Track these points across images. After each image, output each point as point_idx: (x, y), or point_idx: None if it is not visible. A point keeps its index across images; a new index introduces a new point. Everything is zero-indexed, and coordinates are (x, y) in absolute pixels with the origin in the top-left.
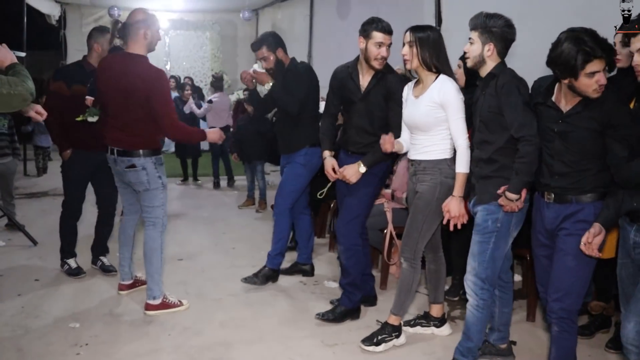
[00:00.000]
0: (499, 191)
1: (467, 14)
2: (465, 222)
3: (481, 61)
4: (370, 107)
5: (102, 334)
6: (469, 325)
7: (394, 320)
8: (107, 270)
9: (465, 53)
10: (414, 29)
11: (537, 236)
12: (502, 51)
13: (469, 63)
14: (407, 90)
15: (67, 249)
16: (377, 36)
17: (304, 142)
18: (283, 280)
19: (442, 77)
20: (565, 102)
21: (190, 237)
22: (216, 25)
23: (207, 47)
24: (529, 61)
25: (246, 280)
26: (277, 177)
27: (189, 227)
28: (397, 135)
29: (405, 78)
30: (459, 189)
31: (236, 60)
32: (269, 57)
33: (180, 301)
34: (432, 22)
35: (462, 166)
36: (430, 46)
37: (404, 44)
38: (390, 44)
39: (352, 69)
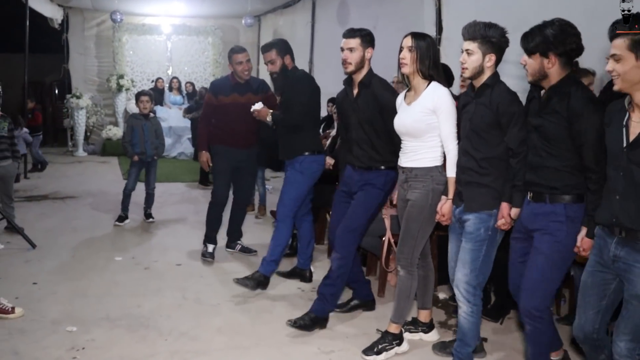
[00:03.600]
0: (504, 214)
1: (468, 21)
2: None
3: (480, 72)
4: (362, 115)
5: (99, 338)
6: (465, 332)
7: (394, 329)
8: (247, 251)
9: (462, 63)
10: (416, 36)
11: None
12: (499, 61)
13: (467, 73)
14: (400, 99)
15: (210, 235)
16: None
17: (303, 148)
18: (281, 286)
19: (434, 83)
20: None
21: (189, 242)
22: (218, 30)
23: (209, 52)
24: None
25: (238, 281)
26: (278, 183)
27: (188, 232)
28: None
29: (389, 86)
30: (451, 192)
31: None
32: (276, 60)
33: (12, 308)
34: (432, 30)
35: (453, 170)
36: (430, 54)
37: (401, 49)
38: (352, 48)
39: (347, 85)
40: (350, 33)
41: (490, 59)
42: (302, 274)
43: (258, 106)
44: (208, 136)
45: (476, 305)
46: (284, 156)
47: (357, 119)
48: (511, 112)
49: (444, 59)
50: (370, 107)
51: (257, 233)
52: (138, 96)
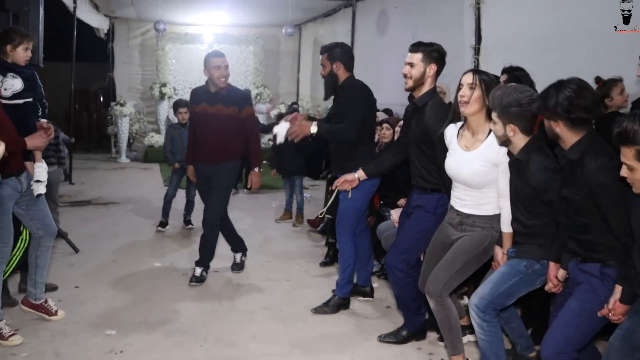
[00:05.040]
0: (551, 276)
1: (507, 31)
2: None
3: (506, 141)
4: (413, 136)
5: (137, 342)
6: (483, 350)
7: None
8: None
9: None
10: (478, 72)
11: None
12: (528, 129)
13: (498, 142)
14: (451, 133)
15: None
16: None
17: (358, 164)
18: (316, 294)
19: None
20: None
21: (226, 249)
22: (259, 39)
23: (250, 60)
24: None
25: (316, 310)
26: (316, 191)
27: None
28: (449, 179)
29: (442, 112)
30: (507, 246)
31: (278, 75)
32: (326, 65)
33: (56, 310)
34: (471, 39)
35: (508, 226)
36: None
37: (460, 87)
38: (412, 63)
39: (409, 101)
40: (413, 47)
41: (512, 129)
42: (363, 291)
43: (283, 127)
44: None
45: (487, 321)
46: (338, 171)
47: (411, 138)
48: (550, 192)
49: (482, 69)
50: (420, 130)
51: (294, 242)
52: (176, 107)
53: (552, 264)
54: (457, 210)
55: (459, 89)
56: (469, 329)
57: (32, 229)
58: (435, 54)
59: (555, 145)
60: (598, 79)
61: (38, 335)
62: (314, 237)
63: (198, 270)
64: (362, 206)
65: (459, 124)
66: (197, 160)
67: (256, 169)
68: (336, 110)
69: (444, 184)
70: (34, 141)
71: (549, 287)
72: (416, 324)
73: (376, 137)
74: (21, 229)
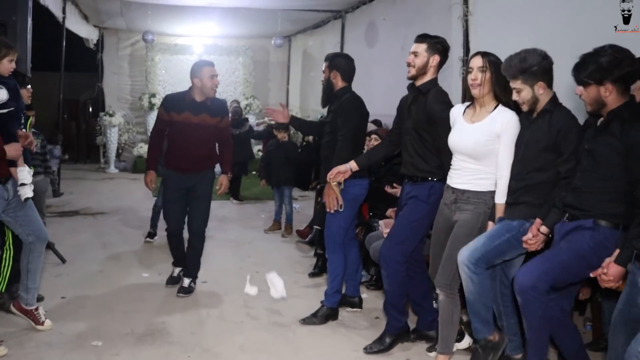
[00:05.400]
0: (533, 231)
1: (495, 42)
2: None
3: (535, 101)
4: (412, 123)
5: (123, 353)
6: (472, 303)
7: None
8: (185, 292)
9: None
10: (485, 54)
11: None
12: (550, 82)
13: (525, 108)
14: (457, 111)
15: (176, 260)
16: None
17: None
18: (304, 305)
19: (501, 107)
20: None
21: (215, 260)
22: (249, 50)
23: (240, 71)
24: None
25: (305, 321)
26: (305, 202)
27: (214, 249)
28: (447, 162)
29: (445, 99)
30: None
31: (268, 85)
32: (325, 73)
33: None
34: (460, 51)
35: (503, 197)
36: (501, 74)
37: (470, 69)
38: (416, 52)
39: (409, 90)
40: (419, 38)
41: (540, 86)
42: (351, 301)
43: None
44: (159, 155)
45: (476, 274)
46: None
47: (409, 125)
48: (570, 138)
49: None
50: (421, 115)
51: (283, 252)
52: None
53: (537, 219)
54: (452, 188)
55: (468, 72)
56: (457, 335)
57: (22, 236)
58: (439, 46)
59: None
60: None
61: (23, 346)
62: (302, 247)
63: (186, 282)
64: (350, 215)
65: (466, 103)
66: (177, 170)
67: (228, 174)
68: (330, 118)
69: (438, 172)
70: (10, 151)
71: (527, 237)
72: (398, 325)
73: (365, 148)
74: (5, 238)
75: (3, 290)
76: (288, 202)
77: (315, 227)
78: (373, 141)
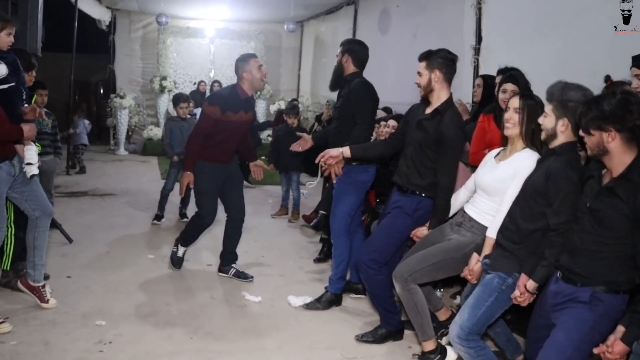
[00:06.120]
0: (520, 289)
1: (507, 32)
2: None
3: (552, 136)
4: (422, 137)
5: (127, 333)
6: None
7: (429, 346)
8: (242, 276)
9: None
10: (525, 97)
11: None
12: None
13: (543, 135)
14: (491, 154)
15: (187, 239)
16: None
17: (352, 158)
18: (307, 291)
19: (529, 151)
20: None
21: (221, 244)
22: (261, 35)
23: None
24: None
25: (308, 306)
26: (313, 188)
27: (220, 233)
28: (445, 181)
29: (459, 123)
30: (486, 252)
31: (280, 71)
32: (338, 57)
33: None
34: (471, 39)
35: (495, 232)
36: (535, 119)
37: (507, 108)
38: (419, 72)
39: (422, 102)
40: (420, 57)
41: (564, 123)
42: (355, 288)
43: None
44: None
45: (472, 348)
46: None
47: (415, 138)
48: (561, 186)
49: (482, 70)
50: (432, 134)
51: (289, 237)
52: (177, 101)
53: (523, 275)
54: (464, 212)
55: (506, 110)
56: (449, 322)
57: (28, 211)
58: (438, 60)
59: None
60: (607, 78)
61: (28, 323)
62: (307, 232)
63: (232, 271)
64: (355, 202)
65: (500, 149)
66: (218, 162)
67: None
68: (339, 103)
69: (430, 190)
70: (27, 131)
71: (514, 294)
72: (392, 322)
73: (374, 135)
74: (7, 216)
75: (8, 267)
76: (295, 188)
77: (321, 212)
78: (383, 128)
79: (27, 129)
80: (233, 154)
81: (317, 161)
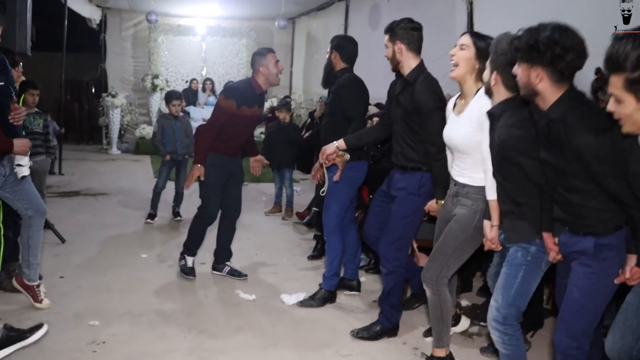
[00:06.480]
0: (549, 245)
1: (500, 26)
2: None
3: (489, 90)
4: (401, 112)
5: (120, 332)
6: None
7: (440, 352)
8: (236, 274)
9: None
10: (474, 35)
11: None
12: (513, 84)
13: (485, 89)
14: (450, 104)
15: (193, 247)
16: None
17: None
18: (301, 288)
19: (481, 92)
20: None
21: (215, 242)
22: (252, 32)
23: (243, 53)
24: None
25: (302, 303)
26: (306, 185)
27: (213, 231)
28: (432, 150)
29: (433, 86)
30: (495, 217)
31: None
32: (328, 53)
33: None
34: None
35: (493, 192)
36: (484, 58)
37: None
38: (385, 45)
39: (397, 78)
40: (384, 30)
41: (495, 78)
42: (349, 284)
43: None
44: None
45: (507, 334)
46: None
47: (397, 114)
48: (521, 162)
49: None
50: (409, 105)
51: (283, 235)
52: (169, 99)
53: (545, 235)
54: (454, 180)
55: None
56: (452, 319)
57: (21, 211)
58: (397, 32)
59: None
60: (598, 70)
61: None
62: (301, 229)
63: (226, 269)
64: (347, 198)
65: (457, 94)
66: (227, 155)
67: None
68: (329, 99)
69: (427, 162)
70: (18, 147)
71: (552, 257)
72: (392, 320)
73: None
74: None
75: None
76: (289, 185)
77: (314, 209)
78: (375, 123)
79: (19, 144)
80: (240, 148)
81: (319, 162)
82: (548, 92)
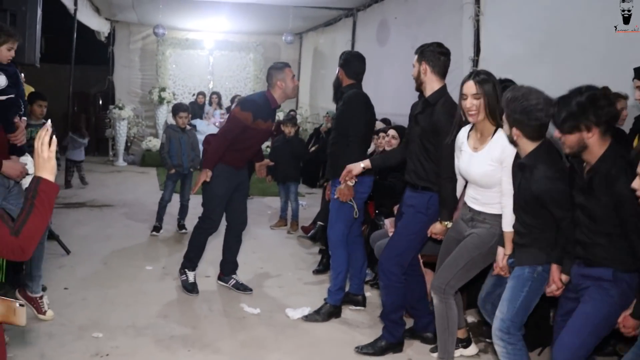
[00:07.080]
0: (555, 278)
1: (506, 44)
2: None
3: (513, 142)
4: (419, 131)
5: (124, 345)
6: None
7: None
8: (241, 288)
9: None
10: (480, 82)
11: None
12: (534, 135)
13: (508, 140)
14: (462, 135)
15: (195, 260)
16: None
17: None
18: (306, 302)
19: (501, 131)
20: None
21: (220, 255)
22: (260, 47)
23: (250, 68)
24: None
25: (307, 318)
26: (312, 199)
27: (218, 244)
28: (444, 172)
29: (452, 110)
30: (509, 247)
31: None
32: (337, 70)
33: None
34: (470, 50)
35: (509, 225)
36: (495, 97)
37: (464, 96)
38: (413, 64)
39: (420, 97)
40: (415, 51)
41: (516, 133)
42: (355, 299)
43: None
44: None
45: (511, 344)
46: (331, 175)
47: (415, 133)
48: (555, 199)
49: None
50: (427, 125)
51: (288, 249)
52: (177, 111)
53: (554, 266)
54: (469, 207)
55: (463, 98)
56: (463, 342)
57: None
58: (425, 53)
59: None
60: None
61: (24, 336)
62: (306, 243)
63: (232, 282)
64: (350, 212)
65: (469, 126)
66: (234, 167)
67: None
68: (336, 115)
69: (437, 183)
70: (8, 169)
71: (551, 289)
72: (395, 334)
73: (372, 146)
74: None
75: (3, 280)
76: (294, 199)
77: (319, 223)
78: (381, 139)
79: (8, 165)
80: (249, 160)
81: (341, 180)
82: (596, 145)
